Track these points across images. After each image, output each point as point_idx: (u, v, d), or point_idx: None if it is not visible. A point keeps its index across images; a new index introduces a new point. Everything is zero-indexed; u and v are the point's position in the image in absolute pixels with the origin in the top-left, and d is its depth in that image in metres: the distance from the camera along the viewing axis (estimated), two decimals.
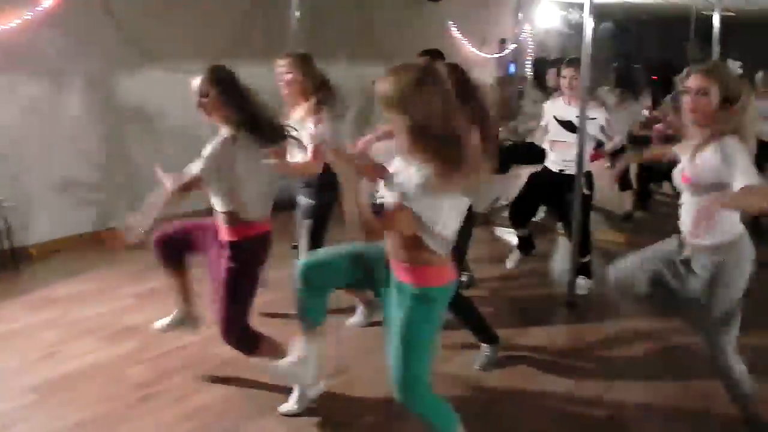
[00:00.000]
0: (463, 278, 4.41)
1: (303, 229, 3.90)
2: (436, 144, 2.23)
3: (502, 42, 10.61)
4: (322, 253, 2.85)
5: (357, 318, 4.08)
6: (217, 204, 3.00)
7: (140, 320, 4.04)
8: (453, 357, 3.70)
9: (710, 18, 6.82)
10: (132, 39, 5.61)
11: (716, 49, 6.66)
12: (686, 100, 2.77)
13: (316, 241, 3.84)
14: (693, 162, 2.73)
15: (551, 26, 11.30)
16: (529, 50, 10.94)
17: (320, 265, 2.70)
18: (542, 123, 4.87)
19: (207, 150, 2.89)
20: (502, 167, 6.09)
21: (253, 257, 3.06)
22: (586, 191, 4.45)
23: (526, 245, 5.09)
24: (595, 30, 4.27)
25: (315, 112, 3.60)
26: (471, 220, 3.45)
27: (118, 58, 5.62)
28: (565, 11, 11.13)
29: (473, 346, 3.72)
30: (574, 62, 4.47)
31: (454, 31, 9.43)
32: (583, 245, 4.56)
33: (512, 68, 10.81)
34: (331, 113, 3.64)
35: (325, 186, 3.82)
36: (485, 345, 3.67)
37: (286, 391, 3.17)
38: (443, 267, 2.43)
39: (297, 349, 2.83)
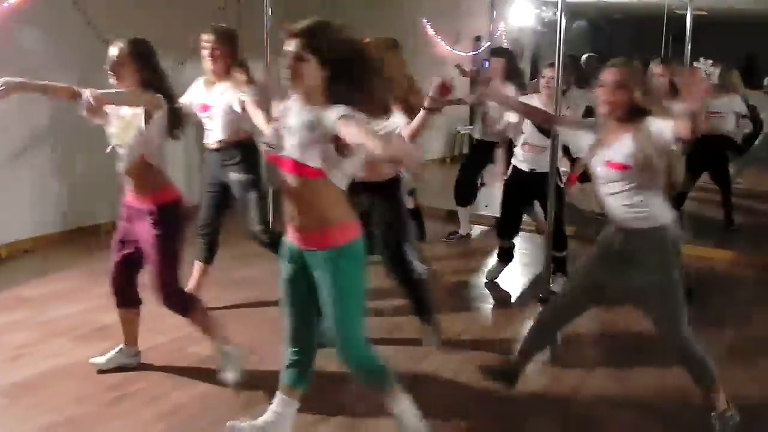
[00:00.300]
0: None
1: (250, 202, 4.06)
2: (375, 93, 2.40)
3: (477, 40, 10.63)
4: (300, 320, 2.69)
5: None
6: (130, 159, 3.11)
7: (113, 320, 3.93)
8: (427, 356, 3.68)
9: (683, 17, 6.90)
10: (103, 36, 5.52)
11: (688, 47, 6.74)
12: (601, 93, 2.77)
13: (264, 210, 4.15)
14: (619, 148, 2.75)
15: (525, 24, 11.35)
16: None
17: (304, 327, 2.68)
18: (513, 119, 4.65)
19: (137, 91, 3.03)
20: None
21: (176, 219, 3.19)
22: (560, 184, 4.44)
23: (506, 256, 4.91)
24: (568, 28, 4.30)
25: (249, 82, 3.86)
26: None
27: (89, 55, 5.51)
28: (539, 9, 11.18)
29: (445, 344, 3.74)
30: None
31: (428, 29, 9.43)
32: (558, 239, 4.53)
33: (486, 65, 10.83)
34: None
35: (253, 157, 4.07)
36: (429, 327, 3.72)
37: (264, 389, 3.15)
38: (350, 222, 2.48)
39: (272, 407, 2.77)
